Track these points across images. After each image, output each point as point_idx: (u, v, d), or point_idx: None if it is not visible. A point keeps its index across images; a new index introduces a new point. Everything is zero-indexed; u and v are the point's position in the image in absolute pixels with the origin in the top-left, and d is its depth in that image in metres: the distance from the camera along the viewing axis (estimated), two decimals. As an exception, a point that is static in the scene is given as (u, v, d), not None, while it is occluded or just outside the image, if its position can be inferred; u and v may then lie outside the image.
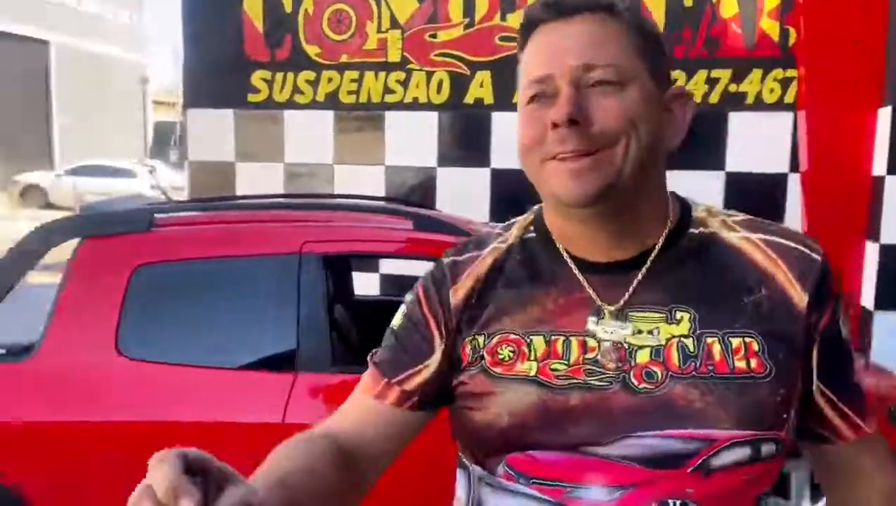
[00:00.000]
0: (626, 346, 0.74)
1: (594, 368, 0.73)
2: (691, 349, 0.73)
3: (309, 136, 4.42)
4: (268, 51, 4.47)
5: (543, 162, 0.73)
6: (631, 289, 0.75)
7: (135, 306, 2.10)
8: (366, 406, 0.83)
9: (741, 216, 0.81)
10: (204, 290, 2.20)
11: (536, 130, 0.73)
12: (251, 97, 4.45)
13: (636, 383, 0.72)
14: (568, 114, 0.70)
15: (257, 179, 4.38)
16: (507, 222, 0.87)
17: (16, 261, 2.20)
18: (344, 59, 4.33)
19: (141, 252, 2.18)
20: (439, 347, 0.81)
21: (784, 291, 0.75)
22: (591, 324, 0.75)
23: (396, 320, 0.86)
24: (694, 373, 0.72)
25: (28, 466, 2.06)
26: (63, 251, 2.29)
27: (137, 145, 27.83)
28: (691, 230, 0.79)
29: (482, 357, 0.77)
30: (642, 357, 0.73)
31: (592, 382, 0.73)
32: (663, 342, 0.73)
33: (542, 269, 0.79)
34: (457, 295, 0.81)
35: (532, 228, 0.84)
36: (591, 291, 0.76)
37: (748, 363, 0.72)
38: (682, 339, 0.73)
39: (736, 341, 0.73)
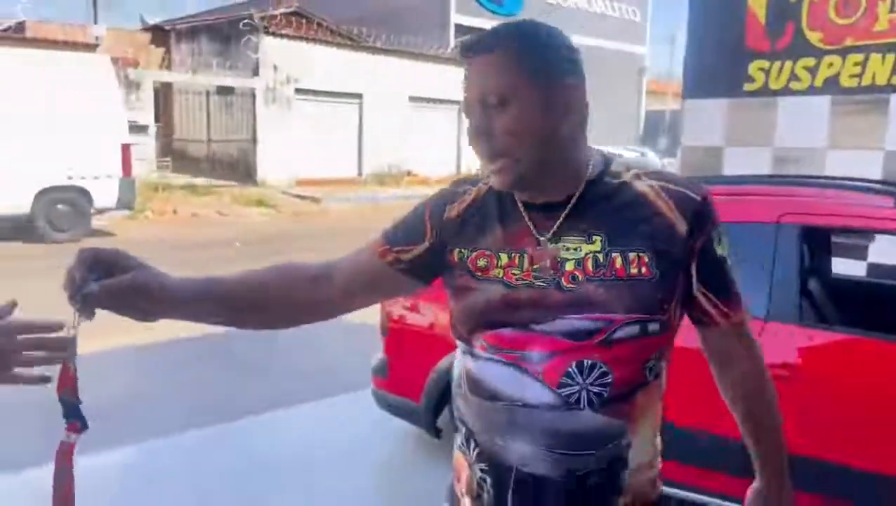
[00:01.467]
0: (559, 260, 1.07)
1: (538, 273, 1.08)
2: (601, 261, 1.06)
3: (801, 121, 4.51)
4: (768, 41, 4.69)
5: None
6: (559, 221, 1.08)
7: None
8: (365, 256, 1.21)
9: (653, 170, 1.12)
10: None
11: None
12: (747, 86, 4.73)
13: (565, 283, 1.07)
14: (474, 130, 1.05)
15: (744, 163, 4.66)
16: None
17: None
18: (848, 42, 4.29)
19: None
20: (428, 240, 1.18)
21: (670, 222, 1.07)
22: (531, 249, 1.09)
23: (410, 211, 1.23)
24: (602, 276, 1.05)
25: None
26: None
27: (630, 132, 29.83)
28: (606, 179, 1.10)
29: (467, 265, 1.13)
30: (569, 266, 1.07)
31: (537, 283, 1.08)
32: (583, 256, 1.07)
33: (505, 206, 1.13)
34: (450, 213, 1.17)
35: None
36: (531, 225, 1.10)
37: (640, 270, 1.05)
38: (595, 253, 1.07)
39: (632, 255, 1.06)
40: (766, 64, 4.65)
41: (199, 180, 15.50)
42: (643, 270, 1.05)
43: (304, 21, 18.78)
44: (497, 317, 1.10)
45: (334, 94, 17.81)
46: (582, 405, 1.06)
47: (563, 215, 1.08)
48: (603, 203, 1.09)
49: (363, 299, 1.23)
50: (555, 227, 1.08)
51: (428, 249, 1.18)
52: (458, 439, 1.20)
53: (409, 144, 19.34)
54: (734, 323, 1.14)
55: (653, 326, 1.06)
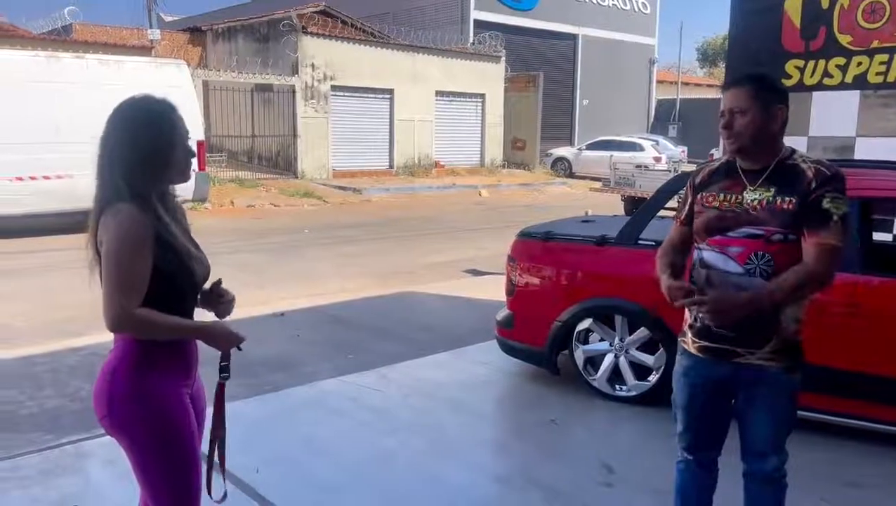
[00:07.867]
0: (752, 198, 2.04)
1: (739, 204, 2.06)
2: (771, 201, 2.02)
3: (834, 113, 5.21)
4: (802, 42, 5.41)
5: None
6: (759, 181, 2.04)
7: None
8: (677, 230, 2.27)
9: (813, 158, 2.05)
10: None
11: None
12: (784, 82, 5.42)
13: (751, 211, 2.03)
14: (724, 125, 2.05)
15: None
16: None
17: (658, 199, 3.91)
18: (875, 44, 5.02)
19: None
20: (689, 200, 2.21)
21: (810, 184, 1.98)
22: (742, 193, 2.07)
23: (682, 192, 2.28)
24: (768, 207, 2.02)
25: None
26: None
27: (642, 121, 30.50)
28: (786, 162, 2.04)
29: (703, 200, 2.14)
30: (755, 202, 2.04)
31: (737, 210, 2.05)
32: (762, 197, 2.03)
33: (731, 169, 2.11)
34: (699, 177, 2.21)
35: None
36: (744, 179, 2.08)
37: (788, 206, 1.99)
38: (769, 197, 2.02)
39: (787, 200, 2.00)
40: (801, 62, 5.36)
41: (244, 174, 16.28)
42: (790, 207, 1.99)
43: (330, 20, 19.45)
44: (711, 228, 2.10)
45: (367, 90, 18.56)
46: (756, 275, 2.01)
47: (762, 177, 2.06)
48: (780, 173, 2.05)
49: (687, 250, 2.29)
50: (757, 183, 2.06)
51: (691, 202, 2.22)
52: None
53: (436, 136, 20.11)
54: (814, 242, 1.99)
55: (791, 237, 2.00)
